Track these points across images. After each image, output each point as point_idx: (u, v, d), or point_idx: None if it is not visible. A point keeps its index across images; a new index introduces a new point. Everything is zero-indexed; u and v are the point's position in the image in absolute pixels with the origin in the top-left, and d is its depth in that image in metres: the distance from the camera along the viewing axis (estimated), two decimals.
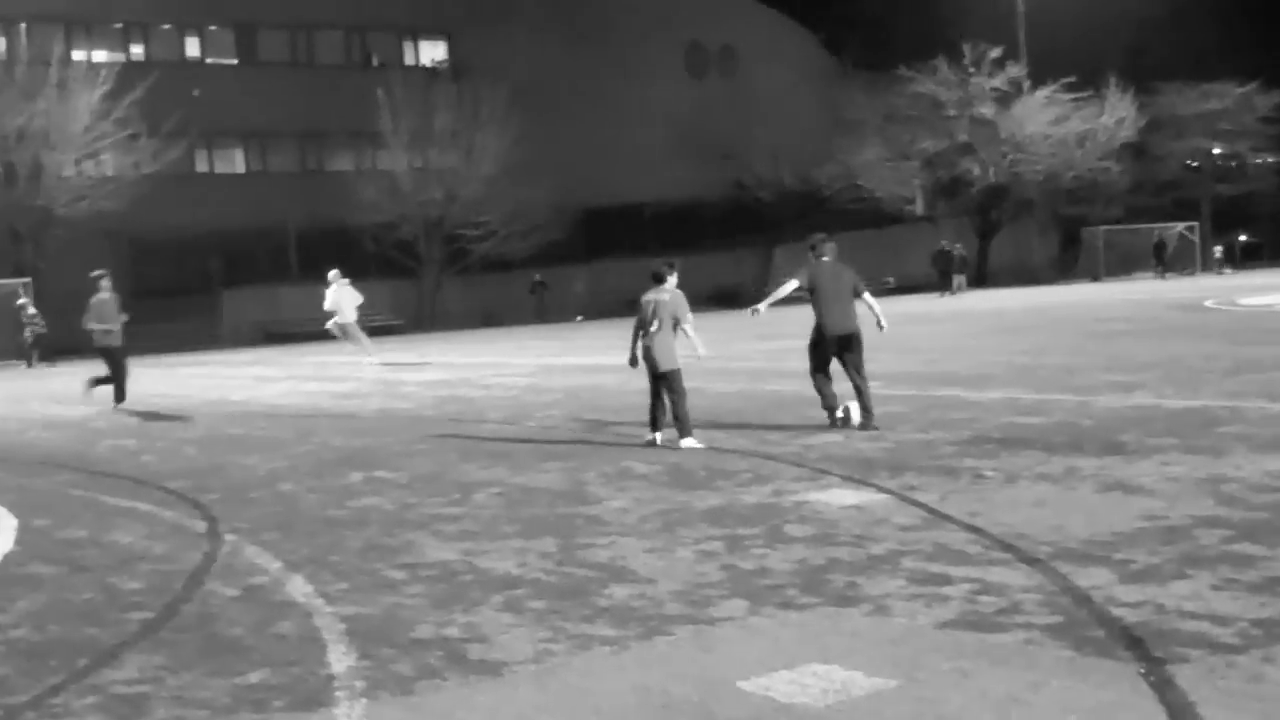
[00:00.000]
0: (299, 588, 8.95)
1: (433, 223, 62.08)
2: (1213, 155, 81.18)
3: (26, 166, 53.08)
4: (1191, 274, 70.44)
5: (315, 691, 6.65)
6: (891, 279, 69.61)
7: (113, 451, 18.12)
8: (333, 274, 34.55)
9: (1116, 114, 70.79)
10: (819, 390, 15.64)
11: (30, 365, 46.81)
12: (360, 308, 34.80)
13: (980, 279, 69.53)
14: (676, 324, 14.92)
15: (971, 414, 15.90)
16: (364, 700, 6.46)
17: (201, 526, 11.58)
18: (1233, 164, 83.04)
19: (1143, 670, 6.15)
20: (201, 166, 66.47)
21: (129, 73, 55.65)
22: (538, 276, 63.39)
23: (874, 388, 15.69)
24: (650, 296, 15.05)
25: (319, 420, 20.71)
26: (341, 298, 34.11)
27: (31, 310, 47.89)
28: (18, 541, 11.40)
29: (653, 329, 14.89)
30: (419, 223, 61.69)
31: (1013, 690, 5.99)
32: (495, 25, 71.32)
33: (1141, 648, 6.48)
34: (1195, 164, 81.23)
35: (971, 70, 70.73)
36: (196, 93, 62.03)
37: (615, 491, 11.97)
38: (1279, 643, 6.44)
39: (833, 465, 12.65)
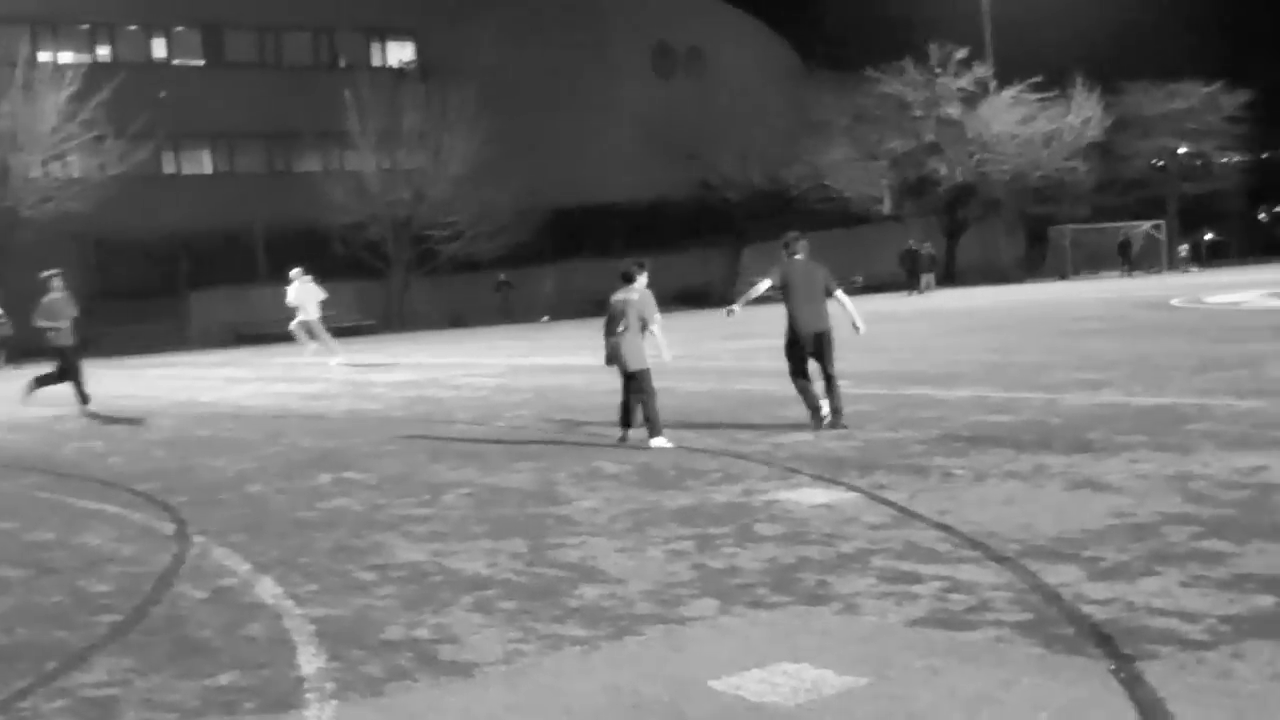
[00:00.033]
0: (268, 589, 8.92)
1: (401, 223, 62.01)
2: (1179, 154, 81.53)
3: None
4: (1158, 272, 70.76)
5: (285, 693, 6.63)
6: (860, 278, 69.67)
7: (80, 453, 18.04)
8: (295, 271, 34.54)
9: (1083, 114, 71.07)
10: (800, 392, 15.63)
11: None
12: (323, 304, 34.74)
13: (948, 278, 69.73)
14: (644, 324, 14.92)
15: (940, 412, 15.94)
16: (334, 702, 6.44)
17: (170, 528, 11.54)
18: (1198, 163, 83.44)
19: (1112, 667, 6.17)
20: (169, 168, 66.26)
21: (95, 74, 55.39)
22: (502, 276, 63.42)
23: (843, 386, 15.69)
24: (619, 296, 15.04)
25: (288, 421, 20.66)
26: (304, 295, 34.06)
27: None
28: None
29: (620, 329, 14.89)
30: (387, 223, 61.62)
31: (983, 688, 6.00)
32: (463, 26, 71.28)
33: (1111, 645, 6.49)
34: (1161, 163, 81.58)
35: (938, 71, 70.94)
36: (163, 94, 61.78)
37: (585, 491, 11.96)
38: (1248, 639, 6.46)
39: (802, 464, 12.66)
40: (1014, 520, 9.46)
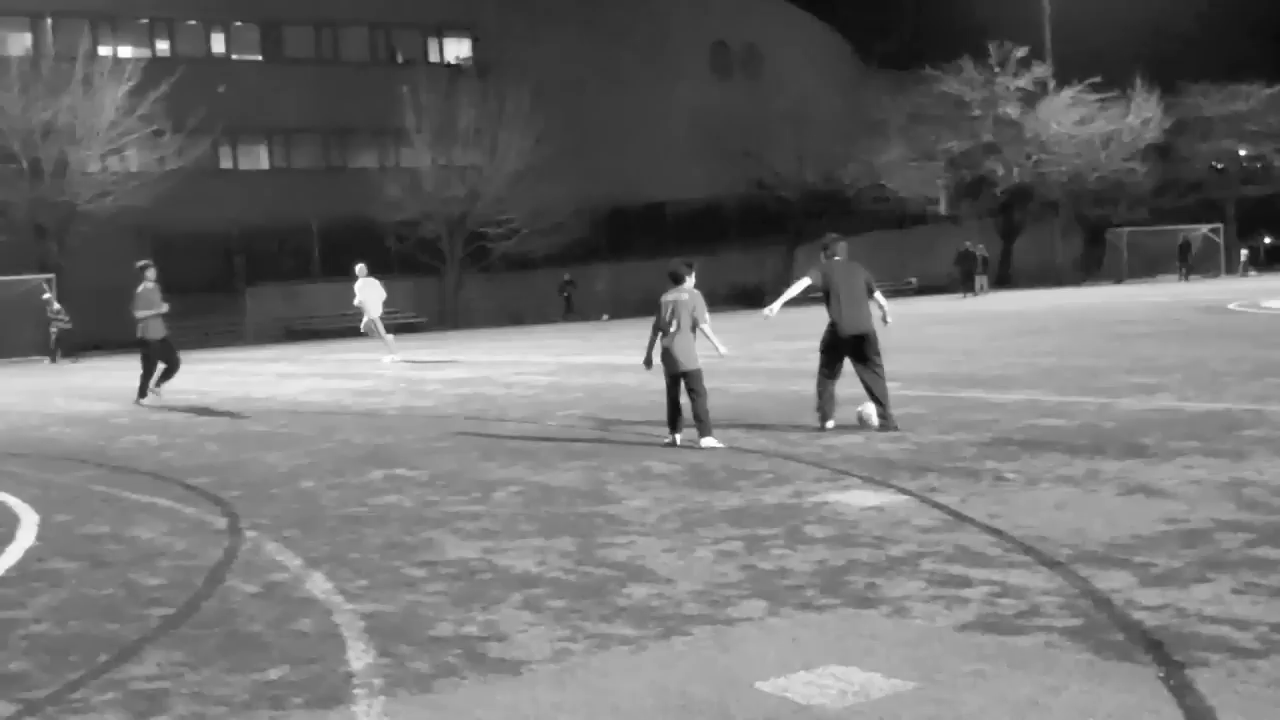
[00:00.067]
0: (319, 585, 8.96)
1: (455, 220, 62.11)
2: (1239, 157, 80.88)
3: (52, 162, 53.20)
4: (1216, 276, 70.23)
5: (334, 689, 6.65)
6: (914, 279, 69.61)
7: (134, 447, 18.17)
8: (359, 268, 34.73)
9: (1142, 115, 70.63)
10: (819, 392, 15.58)
11: (54, 361, 47.01)
12: (384, 303, 35.00)
13: (1003, 280, 69.44)
14: (695, 324, 14.91)
15: (993, 416, 15.87)
16: (382, 698, 6.47)
17: (222, 523, 11.61)
18: (1259, 166, 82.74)
19: (1162, 674, 6.13)
20: (226, 163, 66.63)
21: (154, 69, 55.86)
22: (567, 276, 63.32)
23: (894, 389, 15.65)
24: (669, 297, 15.03)
25: (341, 417, 20.74)
26: (368, 292, 34.29)
27: (56, 306, 48.09)
28: (39, 537, 11.43)
29: (672, 329, 14.87)
30: (442, 220, 61.73)
31: (1031, 693, 5.98)
32: (520, 23, 71.42)
33: (1161, 651, 6.45)
34: (1221, 165, 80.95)
35: (997, 70, 70.63)
36: (221, 89, 62.20)
37: (635, 491, 11.96)
38: None
39: (853, 466, 12.63)
40: (1065, 525, 9.41)
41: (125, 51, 61.54)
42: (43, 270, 51.66)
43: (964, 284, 61.58)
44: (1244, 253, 74.88)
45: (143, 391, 24.75)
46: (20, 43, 60.49)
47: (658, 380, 15.45)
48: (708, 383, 15.01)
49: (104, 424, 21.87)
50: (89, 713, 6.54)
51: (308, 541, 10.47)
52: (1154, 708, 5.72)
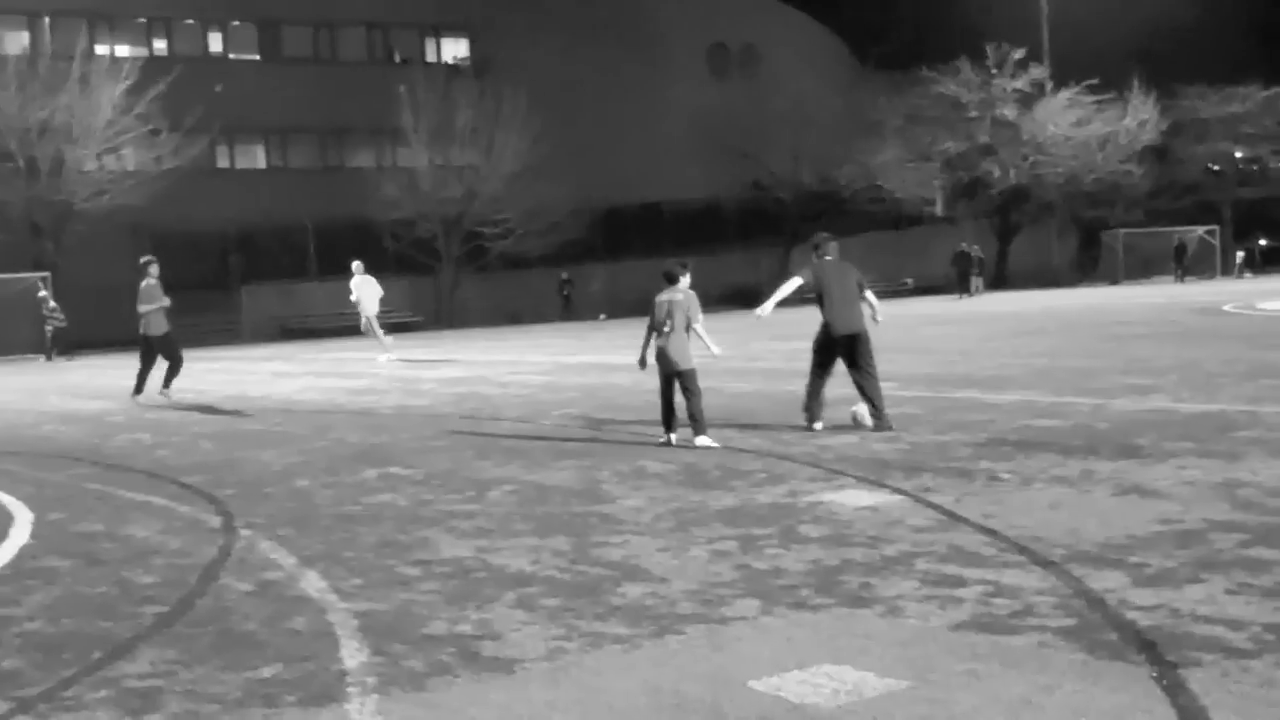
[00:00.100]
0: (313, 583, 8.96)
1: (452, 220, 62.12)
2: (1235, 159, 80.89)
3: (48, 161, 53.20)
4: (1212, 278, 70.27)
5: (327, 687, 6.65)
6: (910, 280, 69.65)
7: (129, 445, 18.16)
8: (356, 265, 34.80)
9: (1139, 117, 70.69)
10: (809, 392, 15.58)
11: (49, 359, 46.97)
12: (380, 301, 35.07)
13: (999, 281, 69.48)
14: (689, 324, 14.92)
15: (988, 416, 15.87)
16: (376, 696, 6.46)
17: (216, 521, 11.60)
18: (1255, 168, 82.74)
19: (1155, 674, 6.14)
20: (222, 162, 66.66)
21: (151, 68, 55.86)
22: (565, 275, 63.30)
23: (890, 389, 15.65)
24: (664, 297, 15.04)
25: (335, 416, 20.74)
26: (364, 289, 34.34)
27: (52, 304, 48.08)
28: (33, 535, 11.43)
29: (667, 329, 14.88)
30: (438, 220, 61.75)
31: (1025, 693, 5.98)
32: (518, 23, 71.45)
33: (1154, 651, 6.46)
34: (1217, 167, 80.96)
35: (994, 71, 70.67)
36: (219, 88, 62.22)
37: (630, 490, 11.96)
38: None
39: (848, 466, 12.64)
40: (1060, 525, 9.42)
41: (122, 50, 61.57)
42: (38, 268, 51.66)
43: (960, 285, 61.62)
44: (1240, 255, 74.87)
45: (139, 388, 24.72)
46: (17, 41, 60.50)
47: (652, 380, 15.45)
48: (702, 383, 15.03)
49: (99, 422, 21.86)
50: (82, 710, 6.54)
51: (302, 540, 10.47)
52: (1147, 707, 5.73)
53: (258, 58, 69.10)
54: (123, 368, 30.62)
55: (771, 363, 25.62)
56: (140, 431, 19.88)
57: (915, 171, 70.66)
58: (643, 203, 70.71)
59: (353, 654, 7.19)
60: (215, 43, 68.52)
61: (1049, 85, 71.86)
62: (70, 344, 48.03)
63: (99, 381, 32.53)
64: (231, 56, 68.52)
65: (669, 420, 14.99)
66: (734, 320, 34.32)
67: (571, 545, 9.69)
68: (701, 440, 14.50)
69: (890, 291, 64.91)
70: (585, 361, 30.30)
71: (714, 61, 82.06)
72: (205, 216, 58.87)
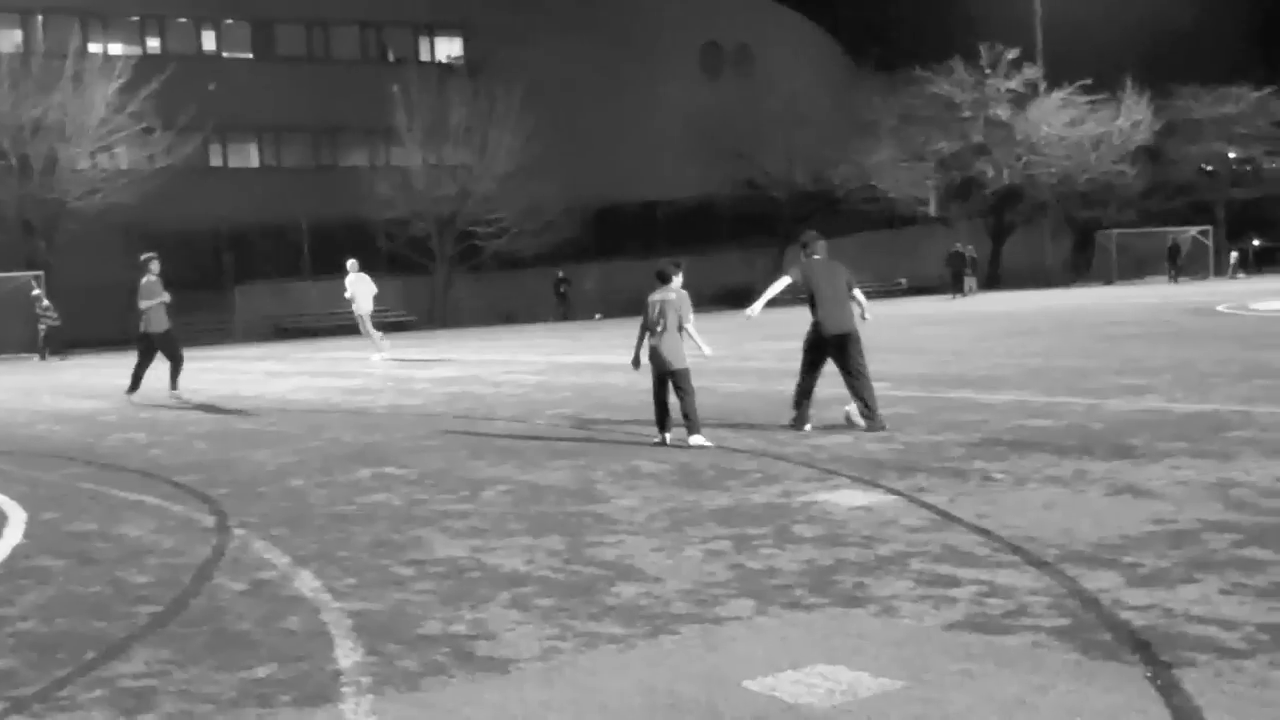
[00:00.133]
0: (307, 583, 8.96)
1: (445, 219, 62.10)
2: (1228, 159, 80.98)
3: (41, 159, 53.12)
4: (1204, 278, 70.34)
5: (322, 687, 6.65)
6: (904, 280, 69.69)
7: (122, 445, 18.14)
8: (351, 263, 34.84)
9: (1132, 117, 70.77)
10: (799, 392, 15.57)
11: (43, 358, 46.93)
12: (375, 299, 35.12)
13: (992, 281, 69.54)
14: (680, 324, 14.92)
15: (982, 416, 15.88)
16: (370, 696, 6.46)
17: (210, 521, 11.60)
18: (1248, 168, 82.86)
19: (1149, 674, 6.14)
20: (216, 161, 66.61)
21: (145, 66, 55.75)
22: (561, 274, 63.27)
23: (883, 389, 15.65)
24: (656, 296, 15.04)
25: (329, 416, 20.73)
26: (359, 287, 34.39)
27: (45, 303, 48.04)
28: (26, 534, 11.42)
29: (659, 329, 14.89)
30: (432, 219, 61.71)
31: (1019, 692, 5.99)
32: (511, 22, 71.40)
33: (1148, 651, 6.47)
34: (1210, 168, 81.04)
35: (987, 71, 70.73)
36: (212, 87, 62.13)
37: (624, 490, 11.96)
38: None
39: (842, 466, 12.64)
40: (1054, 525, 9.43)
41: (116, 49, 61.50)
42: (31, 267, 51.62)
43: (954, 285, 61.64)
44: (1234, 255, 74.94)
45: (134, 385, 24.69)
46: (10, 39, 60.45)
47: (646, 380, 15.45)
48: (695, 382, 15.03)
49: (92, 421, 21.84)
50: (76, 710, 6.53)
51: (296, 539, 10.46)
52: (1141, 707, 5.73)
53: (251, 56, 69.07)
54: (116, 367, 30.61)
55: (765, 362, 25.63)
56: (134, 431, 19.87)
57: (909, 171, 70.73)
58: (637, 202, 70.72)
59: (347, 654, 7.18)
60: (209, 41, 68.46)
61: (1042, 85, 71.94)
62: (63, 343, 47.98)
63: (92, 381, 32.50)
64: (225, 55, 68.48)
65: (663, 420, 14.99)
66: (726, 320, 34.35)
67: (566, 545, 9.69)
68: (695, 439, 14.50)
69: (884, 291, 64.96)
70: (579, 361, 30.29)
71: (708, 61, 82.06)
72: (198, 215, 58.81)
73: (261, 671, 6.96)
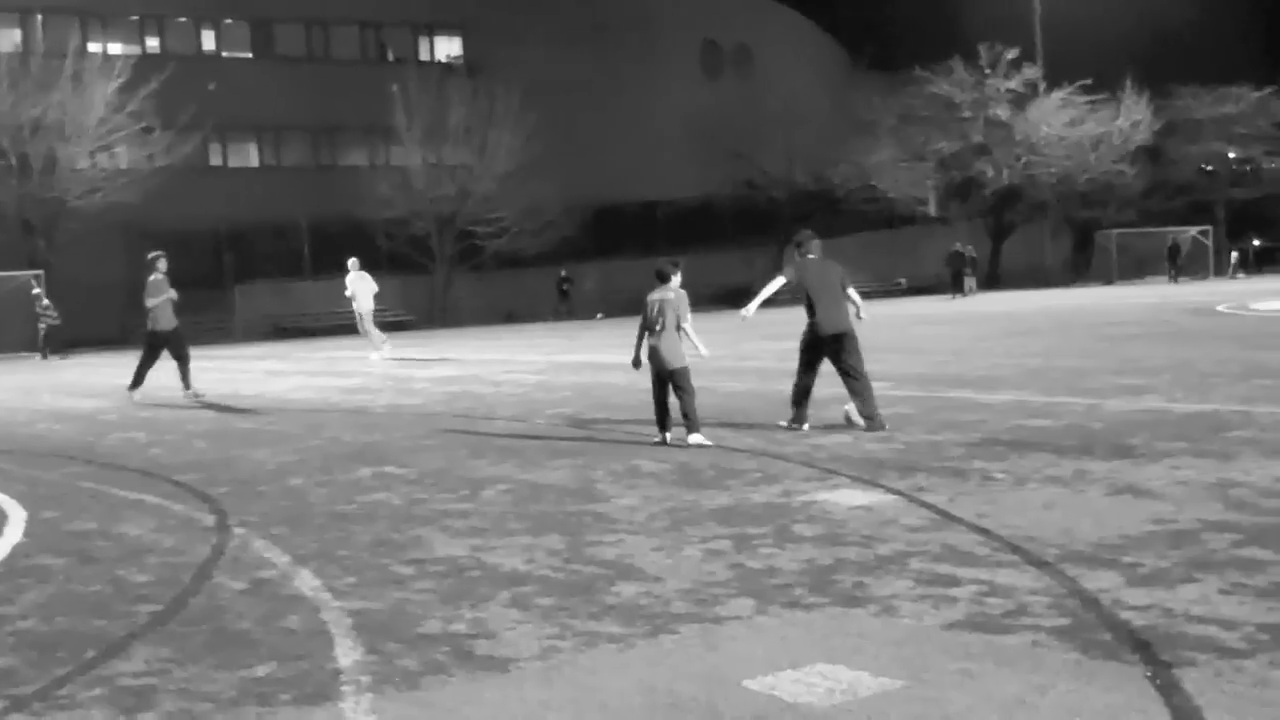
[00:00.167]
0: (307, 582, 8.95)
1: (445, 219, 62.12)
2: (1228, 159, 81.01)
3: (41, 159, 53.18)
4: (1204, 278, 70.34)
5: (322, 685, 6.65)
6: (903, 280, 69.69)
7: (122, 444, 18.14)
8: (352, 262, 34.89)
9: (1132, 117, 70.78)
10: (796, 392, 15.55)
11: (43, 357, 46.93)
12: (375, 298, 35.17)
13: (992, 281, 69.53)
14: (679, 323, 14.93)
15: (981, 416, 15.88)
16: (370, 695, 6.46)
17: (210, 520, 11.59)
18: (1247, 168, 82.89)
19: (1149, 674, 6.14)
20: (215, 160, 66.61)
21: (144, 65, 55.79)
22: (564, 273, 63.22)
23: (883, 389, 15.65)
24: (655, 296, 15.04)
25: (329, 415, 20.72)
26: (359, 286, 34.43)
27: (45, 302, 48.05)
28: (26, 533, 11.41)
29: (658, 328, 14.89)
30: (431, 219, 61.73)
31: (1019, 692, 5.98)
32: (511, 22, 71.40)
33: (1148, 651, 6.46)
34: (1210, 168, 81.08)
35: (987, 71, 70.75)
36: (212, 86, 62.14)
37: (624, 489, 11.96)
38: None
39: (842, 465, 12.64)
40: (1053, 525, 9.43)
41: (115, 48, 61.51)
42: (32, 267, 51.64)
43: (954, 285, 61.62)
44: (1234, 255, 74.94)
45: (136, 382, 24.68)
46: (9, 39, 60.47)
47: (646, 379, 15.44)
48: (695, 382, 15.02)
49: (92, 420, 21.84)
50: (76, 709, 6.53)
51: (296, 539, 10.46)
52: (1141, 707, 5.73)
53: (250, 56, 69.04)
54: (116, 366, 30.62)
55: (764, 362, 25.62)
56: (134, 430, 19.87)
57: (909, 171, 70.76)
58: (637, 202, 70.72)
59: (347, 653, 7.18)
60: (208, 40, 68.44)
61: (1042, 85, 71.96)
62: (63, 342, 47.99)
63: (92, 379, 32.51)
64: (224, 54, 68.45)
65: (662, 419, 14.99)
66: (724, 320, 34.34)
67: (566, 544, 9.69)
68: (695, 438, 14.50)
69: (883, 291, 64.96)
70: (579, 361, 30.29)
71: (707, 61, 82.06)
72: (198, 215, 58.79)
73: (261, 670, 6.96)
